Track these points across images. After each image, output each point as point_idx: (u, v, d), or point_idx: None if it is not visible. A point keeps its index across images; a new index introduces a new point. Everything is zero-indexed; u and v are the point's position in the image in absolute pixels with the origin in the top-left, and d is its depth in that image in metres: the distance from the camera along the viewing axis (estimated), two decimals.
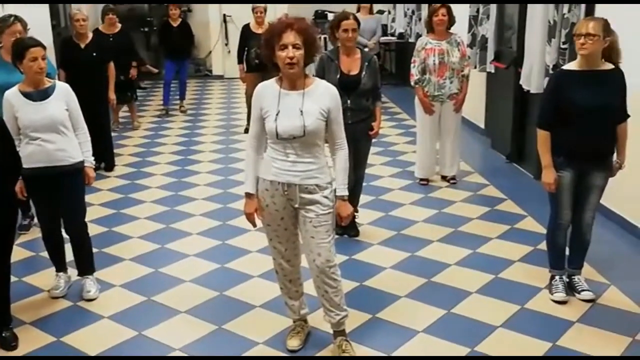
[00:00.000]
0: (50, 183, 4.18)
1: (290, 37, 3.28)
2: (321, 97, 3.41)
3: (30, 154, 4.08)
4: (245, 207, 3.60)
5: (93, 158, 4.39)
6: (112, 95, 7.21)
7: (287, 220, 3.54)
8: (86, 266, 4.49)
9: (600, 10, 5.36)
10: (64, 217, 4.37)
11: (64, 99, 4.18)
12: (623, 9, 5.00)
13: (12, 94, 4.12)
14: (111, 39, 8.25)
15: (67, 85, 4.29)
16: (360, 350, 3.75)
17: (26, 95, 4.10)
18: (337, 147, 3.53)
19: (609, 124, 4.02)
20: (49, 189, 4.21)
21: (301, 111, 3.35)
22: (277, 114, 3.37)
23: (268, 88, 3.47)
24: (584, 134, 3.96)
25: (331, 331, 3.75)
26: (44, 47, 4.12)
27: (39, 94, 4.12)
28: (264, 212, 3.54)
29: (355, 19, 4.92)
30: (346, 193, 3.56)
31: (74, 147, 4.23)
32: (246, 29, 8.55)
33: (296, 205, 3.48)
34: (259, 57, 8.10)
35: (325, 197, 3.47)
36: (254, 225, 3.63)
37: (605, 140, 4.06)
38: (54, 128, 4.11)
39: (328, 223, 3.50)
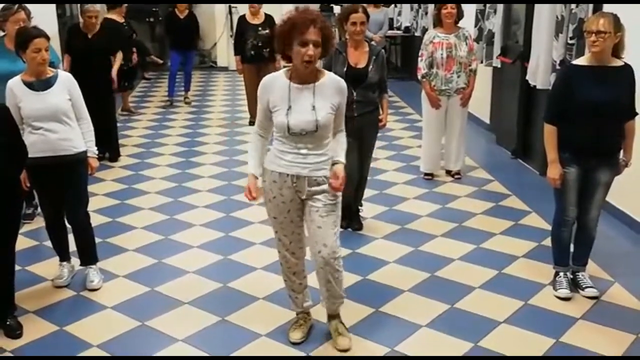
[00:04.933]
0: (53, 172, 4.17)
1: (312, 35, 3.22)
2: (331, 91, 3.40)
3: (33, 144, 4.06)
4: (250, 184, 3.51)
5: (96, 148, 4.38)
6: (114, 75, 7.08)
7: (293, 212, 3.53)
8: (89, 256, 4.49)
9: (608, 4, 5.32)
10: (66, 207, 4.36)
11: (66, 88, 4.17)
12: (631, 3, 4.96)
13: (15, 84, 4.11)
14: (126, 27, 8.35)
15: (69, 75, 4.28)
16: (363, 344, 3.75)
17: (28, 85, 4.09)
18: (338, 131, 3.56)
19: (617, 121, 4.00)
20: (52, 178, 4.20)
21: (313, 106, 3.34)
22: (288, 109, 3.35)
23: (277, 80, 3.42)
24: (591, 131, 3.94)
25: None
26: (48, 38, 4.11)
27: (41, 84, 4.11)
28: (270, 204, 3.53)
29: (365, 12, 4.89)
30: (344, 160, 3.50)
31: (77, 136, 4.22)
32: (242, 20, 8.43)
33: (303, 197, 3.47)
34: (254, 48, 8.10)
35: None
36: (253, 199, 3.52)
37: (613, 137, 4.04)
38: (56, 117, 4.10)
39: (334, 213, 3.49)
